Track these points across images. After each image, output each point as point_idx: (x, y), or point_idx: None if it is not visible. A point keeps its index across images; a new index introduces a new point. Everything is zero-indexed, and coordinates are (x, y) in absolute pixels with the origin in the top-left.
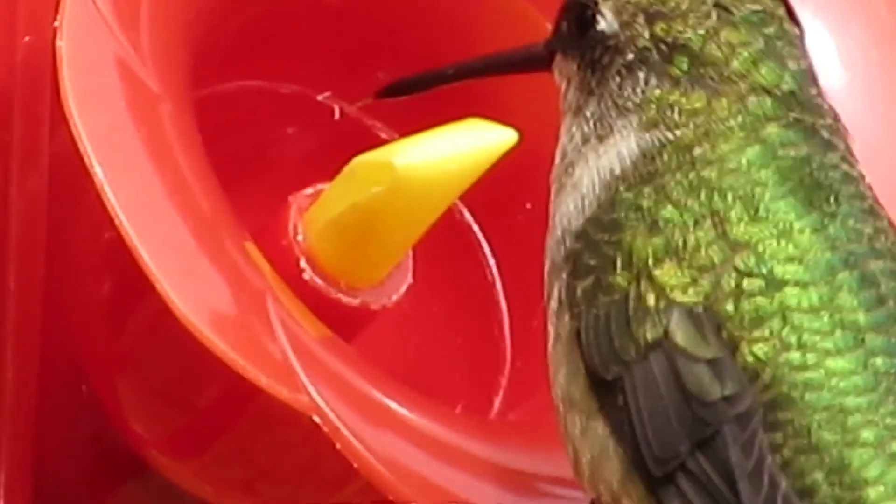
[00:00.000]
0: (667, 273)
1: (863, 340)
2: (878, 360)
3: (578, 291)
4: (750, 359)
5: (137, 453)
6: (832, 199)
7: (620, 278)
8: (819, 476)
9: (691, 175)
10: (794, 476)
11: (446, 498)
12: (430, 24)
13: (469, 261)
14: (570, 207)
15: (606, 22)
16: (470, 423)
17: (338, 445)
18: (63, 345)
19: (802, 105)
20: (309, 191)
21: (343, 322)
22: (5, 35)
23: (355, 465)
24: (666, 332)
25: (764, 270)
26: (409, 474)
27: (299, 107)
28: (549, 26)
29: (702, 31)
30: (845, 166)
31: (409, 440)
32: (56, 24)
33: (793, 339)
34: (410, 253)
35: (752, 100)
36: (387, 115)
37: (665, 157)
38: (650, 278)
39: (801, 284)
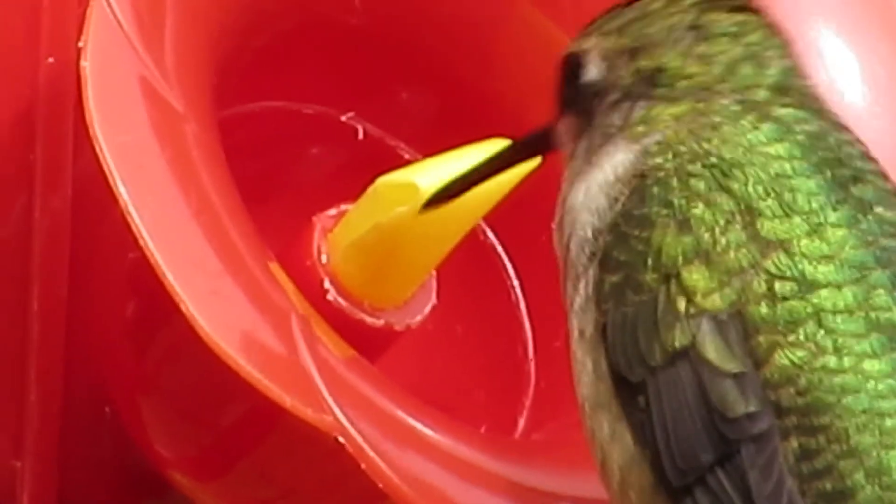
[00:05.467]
0: (695, 276)
1: None
2: None
3: (607, 286)
4: (785, 363)
5: (160, 474)
6: (857, 178)
7: (650, 278)
8: (859, 477)
9: (709, 160)
10: (835, 478)
11: None
12: (451, 44)
13: (493, 281)
14: (583, 216)
15: (593, 70)
16: (494, 443)
17: (362, 465)
18: (86, 366)
19: (795, 91)
20: (333, 211)
21: (367, 343)
22: (29, 55)
23: (380, 485)
24: (693, 341)
25: (796, 273)
26: (434, 494)
27: (323, 127)
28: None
29: (677, 51)
30: (859, 145)
31: (434, 460)
32: (80, 44)
33: (828, 343)
34: (434, 274)
35: (736, 97)
36: (410, 136)
37: (662, 154)
38: (679, 281)
39: (835, 285)
